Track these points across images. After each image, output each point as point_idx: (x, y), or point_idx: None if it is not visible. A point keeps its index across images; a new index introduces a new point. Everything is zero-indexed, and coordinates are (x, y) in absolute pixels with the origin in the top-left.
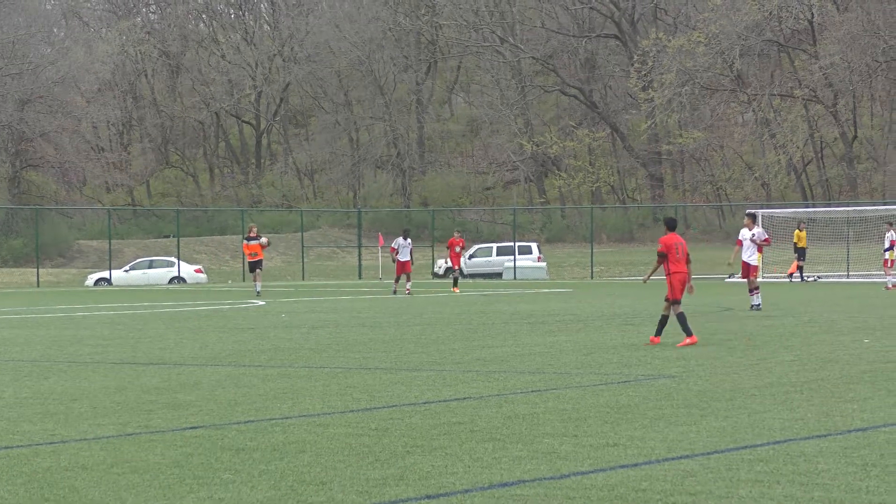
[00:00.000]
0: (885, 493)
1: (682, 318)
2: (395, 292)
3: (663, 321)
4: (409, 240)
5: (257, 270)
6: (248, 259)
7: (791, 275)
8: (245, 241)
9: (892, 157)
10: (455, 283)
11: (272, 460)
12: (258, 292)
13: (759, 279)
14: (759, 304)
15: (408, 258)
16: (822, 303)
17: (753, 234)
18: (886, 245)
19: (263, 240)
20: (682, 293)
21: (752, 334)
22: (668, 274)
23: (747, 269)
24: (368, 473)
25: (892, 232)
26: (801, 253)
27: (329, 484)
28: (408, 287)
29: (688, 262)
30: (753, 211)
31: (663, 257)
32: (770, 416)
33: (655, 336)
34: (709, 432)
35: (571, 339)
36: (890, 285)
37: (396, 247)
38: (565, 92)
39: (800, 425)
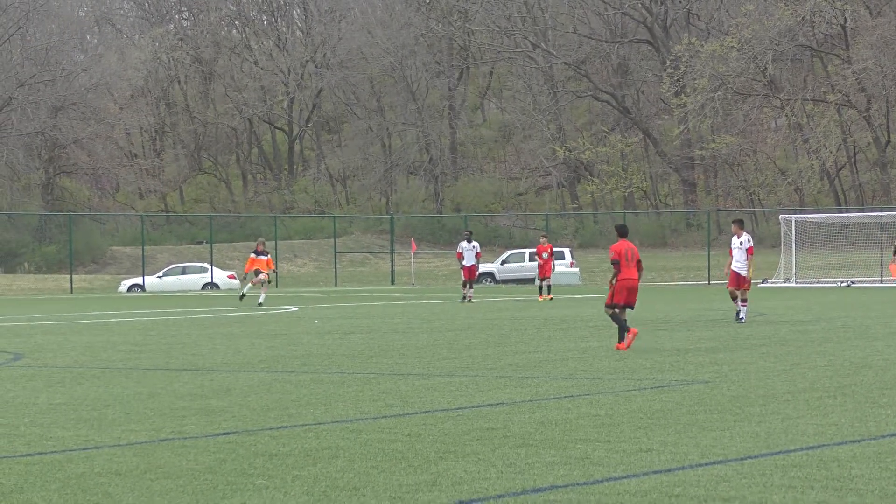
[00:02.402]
0: None
1: (619, 321)
2: (464, 298)
3: (619, 323)
4: (473, 243)
5: (261, 276)
6: (254, 266)
7: None
8: (253, 255)
9: None
10: (545, 291)
11: (305, 466)
12: (242, 295)
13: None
14: (743, 318)
15: (472, 262)
16: (856, 308)
17: (741, 242)
18: None
19: (263, 275)
20: (625, 299)
21: (785, 339)
22: (616, 279)
23: (737, 279)
24: (401, 479)
25: None
26: None
27: (362, 489)
28: (470, 294)
29: (639, 268)
30: (741, 217)
31: (617, 264)
32: (803, 422)
33: (620, 342)
34: (742, 438)
35: (604, 345)
36: None
37: (461, 251)
38: (598, 97)
39: (833, 430)
